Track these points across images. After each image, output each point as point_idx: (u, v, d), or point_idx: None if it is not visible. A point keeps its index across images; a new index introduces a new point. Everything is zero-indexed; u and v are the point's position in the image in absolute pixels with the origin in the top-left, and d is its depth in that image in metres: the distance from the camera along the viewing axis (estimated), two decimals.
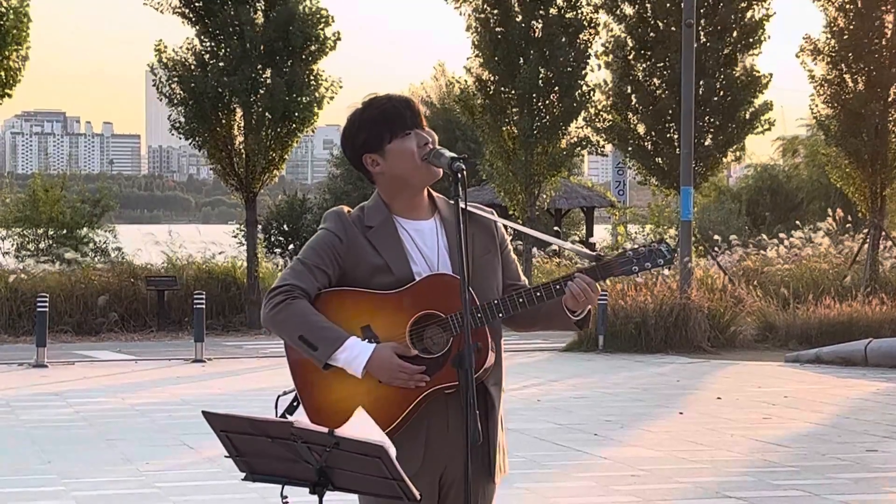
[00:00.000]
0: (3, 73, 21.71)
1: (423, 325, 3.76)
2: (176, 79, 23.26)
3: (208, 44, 23.55)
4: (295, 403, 3.87)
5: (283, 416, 3.86)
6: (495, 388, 3.88)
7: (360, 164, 3.92)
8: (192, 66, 23.37)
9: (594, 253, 3.94)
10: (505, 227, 4.11)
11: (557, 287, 3.82)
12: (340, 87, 24.06)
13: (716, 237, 28.67)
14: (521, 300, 3.80)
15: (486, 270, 3.89)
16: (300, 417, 3.78)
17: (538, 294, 3.82)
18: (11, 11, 21.69)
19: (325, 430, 3.38)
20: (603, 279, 3.87)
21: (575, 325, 3.94)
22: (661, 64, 24.54)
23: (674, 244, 21.69)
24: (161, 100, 23.87)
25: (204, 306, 18.99)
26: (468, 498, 3.61)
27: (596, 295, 3.85)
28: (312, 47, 23.49)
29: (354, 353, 3.70)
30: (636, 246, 3.91)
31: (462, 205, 3.68)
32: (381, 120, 3.84)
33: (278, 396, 3.94)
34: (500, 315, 3.78)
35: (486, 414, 3.84)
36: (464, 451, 3.60)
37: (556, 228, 34.12)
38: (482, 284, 3.82)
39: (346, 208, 3.94)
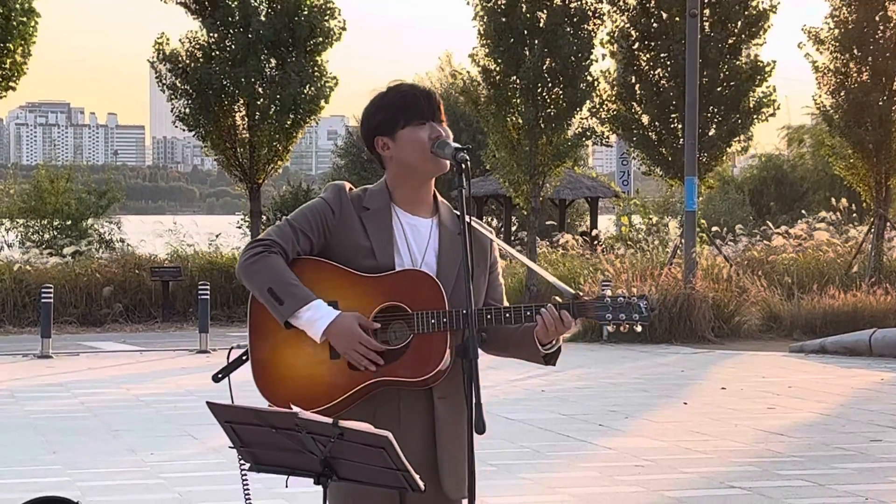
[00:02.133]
0: (7, 67, 21.78)
1: (388, 316, 3.75)
2: (179, 71, 23.25)
3: (213, 35, 23.54)
4: (244, 358, 3.87)
5: (228, 366, 3.86)
6: (441, 402, 3.79)
7: (372, 146, 3.92)
8: (197, 58, 23.36)
9: (573, 291, 3.88)
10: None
11: (528, 313, 3.78)
12: (336, 83, 23.96)
13: (714, 228, 28.63)
14: (488, 316, 3.77)
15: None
16: (246, 376, 3.79)
17: (507, 315, 3.78)
18: (19, 7, 21.75)
19: (330, 420, 3.39)
20: (575, 317, 3.81)
21: (542, 359, 3.89)
22: (665, 54, 24.51)
23: (678, 234, 21.70)
24: (164, 91, 23.87)
25: (208, 297, 19.00)
26: (472, 489, 3.60)
27: (566, 330, 3.80)
28: (319, 38, 23.48)
29: (318, 315, 3.69)
30: (616, 294, 3.87)
31: (466, 195, 3.67)
32: (399, 105, 3.85)
33: (231, 348, 3.95)
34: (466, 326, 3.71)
35: (430, 428, 3.78)
36: (417, 444, 3.59)
37: (569, 223, 34.12)
38: (461, 295, 3.74)
39: (348, 185, 3.93)
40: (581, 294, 3.84)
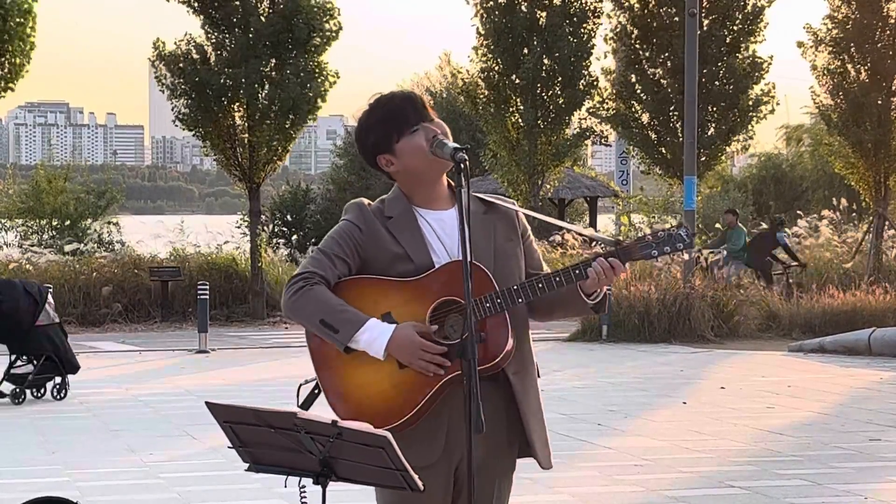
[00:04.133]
0: (6, 69, 21.82)
1: (443, 312, 3.77)
2: (178, 72, 23.24)
3: (213, 35, 23.54)
4: (316, 391, 3.88)
5: (303, 404, 3.86)
6: (517, 378, 3.86)
7: (376, 166, 3.97)
8: (196, 59, 23.37)
9: (613, 238, 3.94)
10: (526, 216, 4.11)
11: (577, 271, 3.83)
12: (338, 78, 24.01)
13: (717, 225, 28.59)
14: (539, 285, 3.80)
15: (509, 258, 3.92)
16: (322, 405, 3.78)
17: (557, 279, 3.82)
18: (17, 10, 21.80)
19: (329, 420, 3.39)
20: (623, 263, 3.86)
21: (591, 309, 3.95)
22: (665, 53, 24.52)
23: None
24: (164, 92, 23.88)
25: (207, 297, 19.00)
26: (472, 488, 3.60)
27: (616, 278, 3.86)
28: (317, 39, 23.49)
29: (375, 334, 3.71)
30: (655, 230, 3.89)
31: (465, 194, 3.68)
32: (386, 120, 3.88)
33: (300, 385, 3.95)
34: (520, 300, 3.78)
35: (506, 404, 3.85)
36: (480, 441, 3.59)
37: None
38: (504, 272, 3.84)
39: (366, 201, 3.97)
40: (621, 241, 3.90)
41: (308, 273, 3.81)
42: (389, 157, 3.89)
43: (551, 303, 3.95)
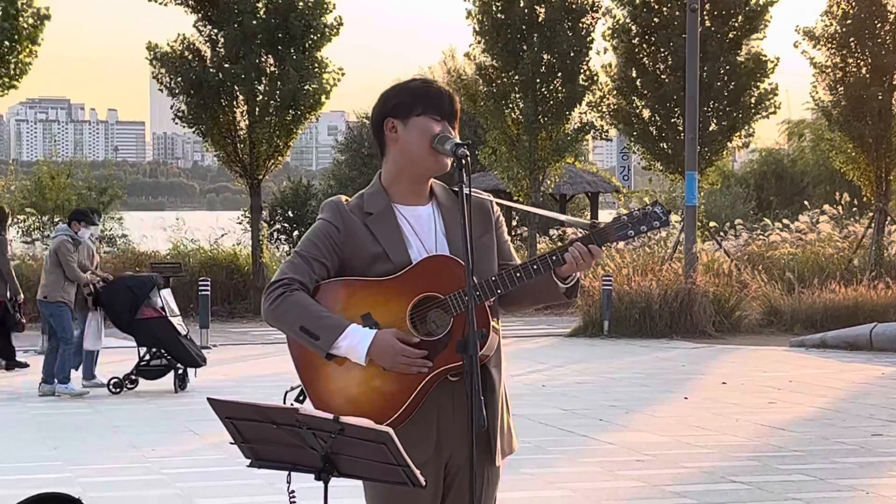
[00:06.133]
0: (13, 67, 21.92)
1: (423, 308, 3.77)
2: (175, 71, 23.27)
3: (209, 31, 23.55)
4: (301, 397, 3.87)
5: None
6: (496, 371, 3.87)
7: (379, 127, 3.91)
8: (191, 57, 23.40)
9: (589, 221, 3.92)
10: (510, 209, 4.11)
11: (554, 258, 3.81)
12: (343, 74, 24.04)
13: (713, 224, 28.58)
14: (517, 274, 3.79)
15: (484, 252, 3.90)
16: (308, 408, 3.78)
17: (535, 267, 3.80)
18: (31, 12, 21.98)
19: (331, 416, 3.39)
20: (600, 246, 3.83)
21: (563, 295, 3.92)
22: (666, 49, 24.49)
23: (678, 230, 21.71)
24: (162, 91, 23.92)
25: (209, 292, 19.01)
26: (473, 484, 3.60)
27: (594, 260, 3.83)
28: (314, 35, 23.48)
29: (356, 340, 3.71)
30: (630, 210, 3.87)
31: (466, 190, 3.67)
32: (422, 93, 3.86)
33: (286, 392, 3.95)
34: (499, 291, 3.77)
35: (487, 398, 3.83)
36: (468, 436, 3.59)
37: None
38: (480, 266, 3.81)
39: (344, 197, 3.93)
40: (597, 224, 3.87)
41: (287, 279, 3.79)
42: (399, 123, 3.84)
43: (523, 291, 3.92)
